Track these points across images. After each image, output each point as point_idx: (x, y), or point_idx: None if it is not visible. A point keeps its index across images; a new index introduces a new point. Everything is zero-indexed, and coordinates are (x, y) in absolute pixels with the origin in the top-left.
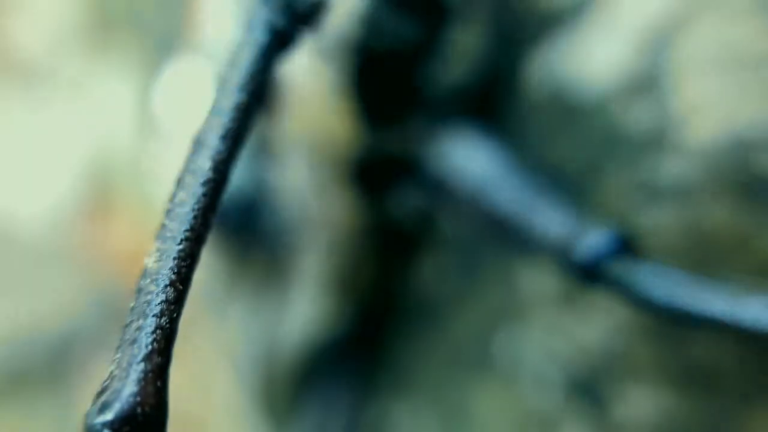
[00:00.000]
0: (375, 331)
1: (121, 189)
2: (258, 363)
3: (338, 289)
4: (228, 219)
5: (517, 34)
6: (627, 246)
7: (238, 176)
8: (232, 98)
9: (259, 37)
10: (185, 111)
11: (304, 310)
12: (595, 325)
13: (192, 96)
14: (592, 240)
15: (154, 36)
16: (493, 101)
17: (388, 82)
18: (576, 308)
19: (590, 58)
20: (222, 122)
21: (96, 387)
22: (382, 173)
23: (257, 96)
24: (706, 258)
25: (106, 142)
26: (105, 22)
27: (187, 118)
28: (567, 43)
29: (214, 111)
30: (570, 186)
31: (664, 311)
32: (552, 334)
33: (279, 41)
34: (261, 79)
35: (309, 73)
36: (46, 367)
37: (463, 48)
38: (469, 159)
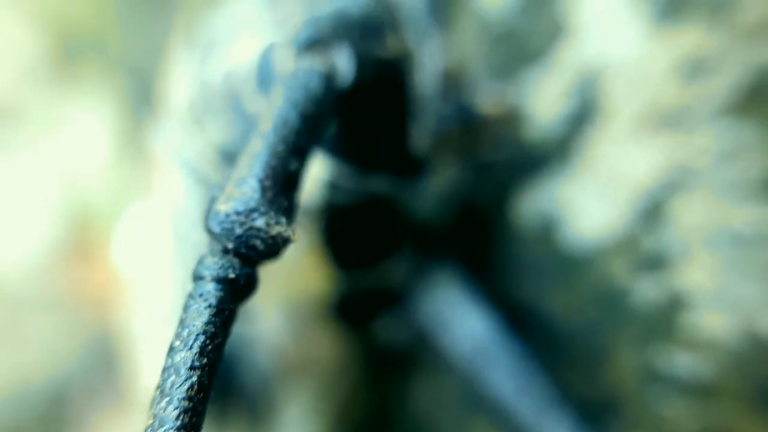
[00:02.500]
0: None
1: (102, 227)
2: None
3: (333, 423)
4: None
5: (502, 173)
6: None
7: None
8: (185, 377)
9: (209, 291)
10: (145, 258)
11: None
12: None
13: (151, 244)
14: None
15: (122, 65)
16: (480, 240)
17: (361, 233)
18: None
19: (581, 212)
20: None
21: None
22: (365, 307)
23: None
24: None
25: (83, 178)
26: (69, 54)
27: (146, 266)
28: (555, 189)
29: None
30: (575, 362)
31: None
32: None
33: (232, 292)
34: (218, 344)
35: None
36: (40, 419)
37: (438, 189)
38: (461, 330)
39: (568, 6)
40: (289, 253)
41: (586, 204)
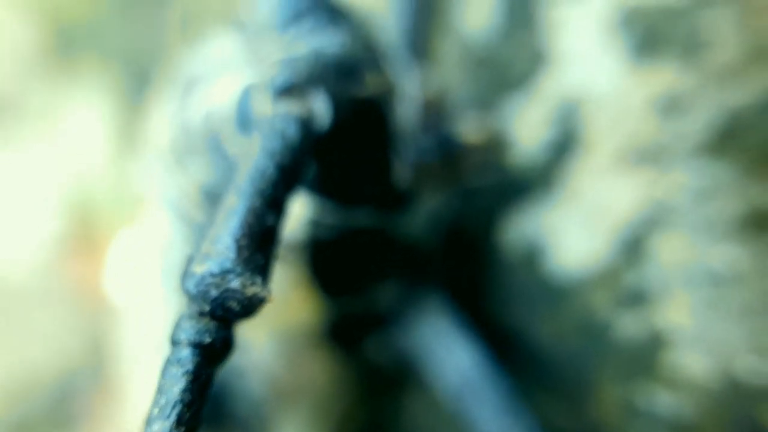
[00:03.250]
0: None
1: (104, 220)
2: None
3: None
4: None
5: (487, 199)
6: None
7: None
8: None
9: (186, 356)
10: (136, 288)
11: None
12: None
13: (141, 274)
14: None
15: (119, 56)
16: (467, 266)
17: (347, 265)
18: None
19: (565, 242)
20: None
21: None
22: (354, 330)
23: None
24: None
25: (83, 172)
26: (66, 46)
27: (137, 296)
28: (540, 216)
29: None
30: (560, 394)
31: None
32: None
33: (209, 357)
34: (196, 411)
35: None
36: (48, 414)
37: (424, 216)
38: (449, 363)
39: (549, 34)
40: (276, 288)
41: (569, 234)
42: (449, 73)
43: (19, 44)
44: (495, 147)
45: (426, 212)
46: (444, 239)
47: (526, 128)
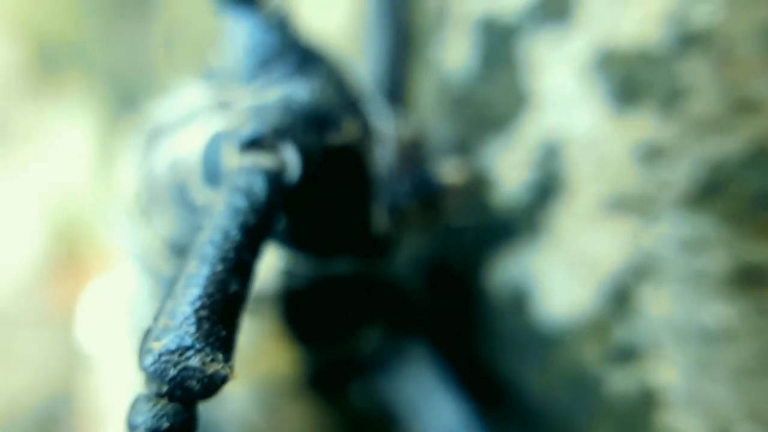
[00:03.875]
0: None
1: (87, 240)
2: None
3: None
4: None
5: (472, 239)
6: None
7: None
8: None
9: None
10: (108, 336)
11: None
12: None
13: (114, 321)
14: None
15: (103, 75)
16: (453, 309)
17: (324, 314)
18: None
19: (551, 288)
20: None
21: None
22: (336, 377)
23: None
24: None
25: (65, 192)
26: (49, 65)
27: (110, 344)
28: (527, 260)
29: None
30: None
31: None
32: None
33: None
34: None
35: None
36: None
37: (406, 257)
38: (434, 422)
39: (530, 76)
40: (250, 341)
41: (555, 280)
42: (429, 113)
43: (2, 63)
44: (475, 188)
45: (408, 254)
46: (428, 281)
47: (509, 169)
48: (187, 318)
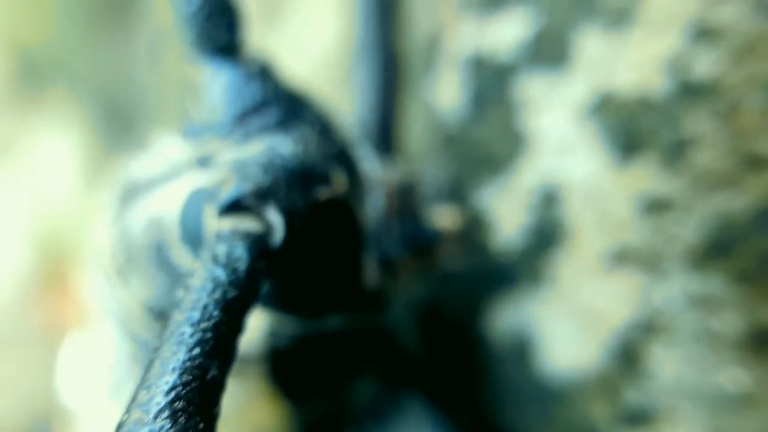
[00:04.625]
0: None
1: (73, 256)
2: None
3: None
4: None
5: (470, 286)
6: None
7: None
8: None
9: None
10: (87, 387)
11: None
12: None
13: (92, 372)
14: None
15: (87, 87)
16: (451, 360)
17: (313, 371)
18: None
19: (556, 340)
20: None
21: None
22: (329, 430)
23: None
24: None
25: (50, 207)
26: (33, 78)
27: (89, 402)
28: (529, 310)
29: None
30: None
31: None
32: None
33: None
34: None
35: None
36: None
37: (401, 305)
38: None
39: (526, 118)
40: (236, 403)
41: (558, 332)
42: (421, 154)
43: None
44: (471, 232)
45: (402, 303)
46: (422, 328)
47: (506, 212)
48: (161, 410)
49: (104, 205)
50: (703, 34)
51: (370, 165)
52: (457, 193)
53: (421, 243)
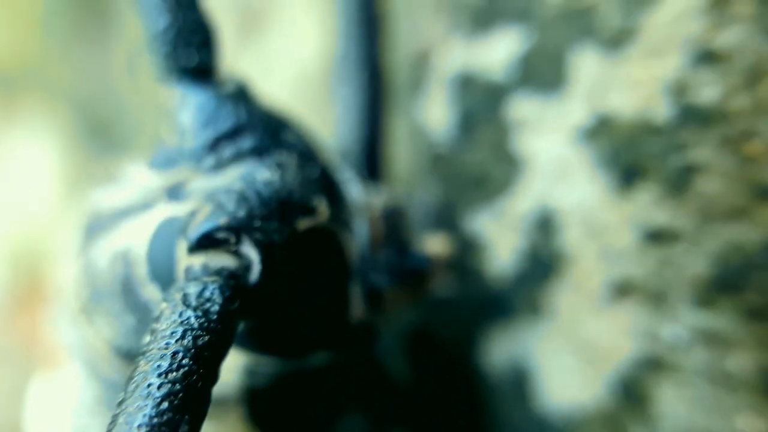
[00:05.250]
0: None
1: (49, 271)
2: None
3: None
4: None
5: (465, 314)
6: None
7: None
8: None
9: None
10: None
11: None
12: None
13: (57, 416)
14: None
15: (65, 99)
16: (445, 392)
17: (297, 409)
18: None
19: (556, 375)
20: None
21: None
22: None
23: None
24: None
25: (28, 220)
26: (12, 86)
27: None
28: (526, 342)
29: None
30: None
31: None
32: None
33: None
34: None
35: None
36: None
37: (391, 335)
38: None
39: (518, 141)
40: None
41: (559, 366)
42: (410, 176)
43: None
44: (463, 258)
45: (392, 332)
46: (413, 359)
47: (501, 239)
48: None
49: (72, 237)
50: (707, 56)
51: (354, 189)
52: (448, 216)
53: (411, 271)
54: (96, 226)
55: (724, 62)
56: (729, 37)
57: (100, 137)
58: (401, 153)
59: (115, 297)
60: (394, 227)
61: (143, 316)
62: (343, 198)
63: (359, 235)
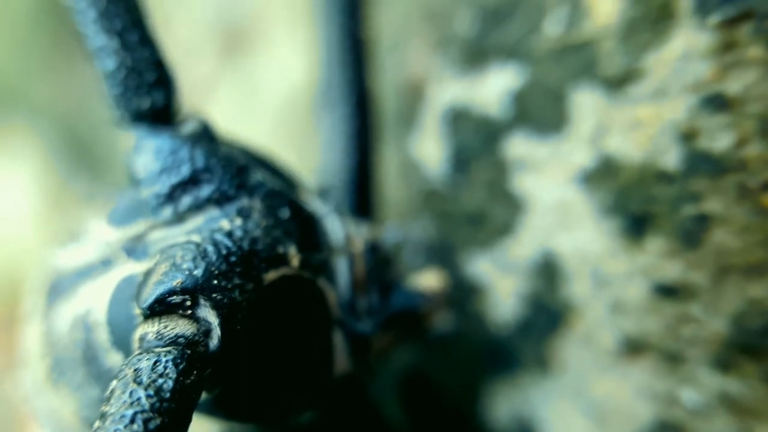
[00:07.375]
0: None
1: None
2: None
3: None
4: None
5: (460, 358)
6: None
7: None
8: None
9: None
10: None
11: None
12: None
13: None
14: None
15: (46, 119)
16: None
17: None
18: None
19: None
20: None
21: None
22: None
23: None
24: None
25: (7, 243)
26: None
27: None
28: (533, 398)
29: None
30: None
31: None
32: None
33: None
34: None
35: None
36: None
37: (385, 378)
38: None
39: (518, 182)
40: None
41: (569, 428)
42: (402, 212)
43: None
44: (461, 296)
45: (387, 375)
46: (410, 406)
47: (501, 283)
48: None
49: (32, 299)
50: (716, 100)
51: (334, 224)
52: (442, 255)
53: (401, 311)
54: (56, 288)
55: (736, 107)
56: (740, 81)
57: (79, 156)
58: (392, 187)
59: (77, 366)
60: (379, 263)
61: (105, 383)
62: (319, 238)
63: (340, 276)
